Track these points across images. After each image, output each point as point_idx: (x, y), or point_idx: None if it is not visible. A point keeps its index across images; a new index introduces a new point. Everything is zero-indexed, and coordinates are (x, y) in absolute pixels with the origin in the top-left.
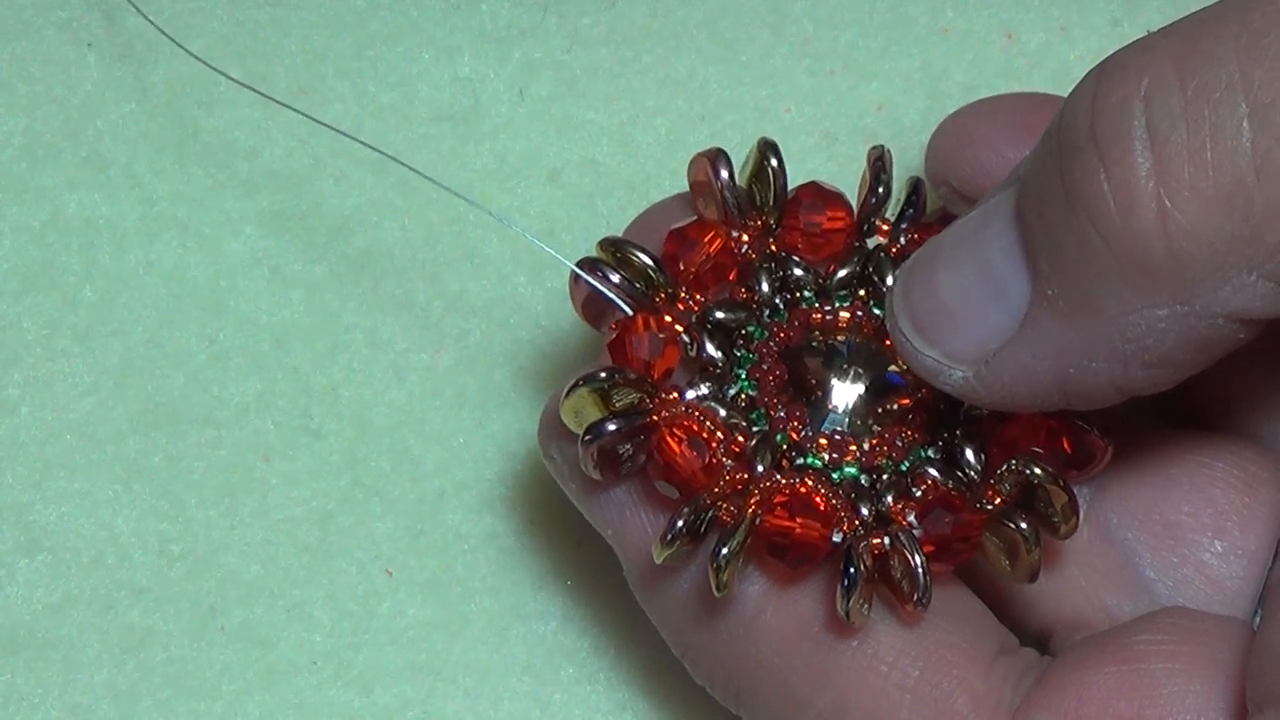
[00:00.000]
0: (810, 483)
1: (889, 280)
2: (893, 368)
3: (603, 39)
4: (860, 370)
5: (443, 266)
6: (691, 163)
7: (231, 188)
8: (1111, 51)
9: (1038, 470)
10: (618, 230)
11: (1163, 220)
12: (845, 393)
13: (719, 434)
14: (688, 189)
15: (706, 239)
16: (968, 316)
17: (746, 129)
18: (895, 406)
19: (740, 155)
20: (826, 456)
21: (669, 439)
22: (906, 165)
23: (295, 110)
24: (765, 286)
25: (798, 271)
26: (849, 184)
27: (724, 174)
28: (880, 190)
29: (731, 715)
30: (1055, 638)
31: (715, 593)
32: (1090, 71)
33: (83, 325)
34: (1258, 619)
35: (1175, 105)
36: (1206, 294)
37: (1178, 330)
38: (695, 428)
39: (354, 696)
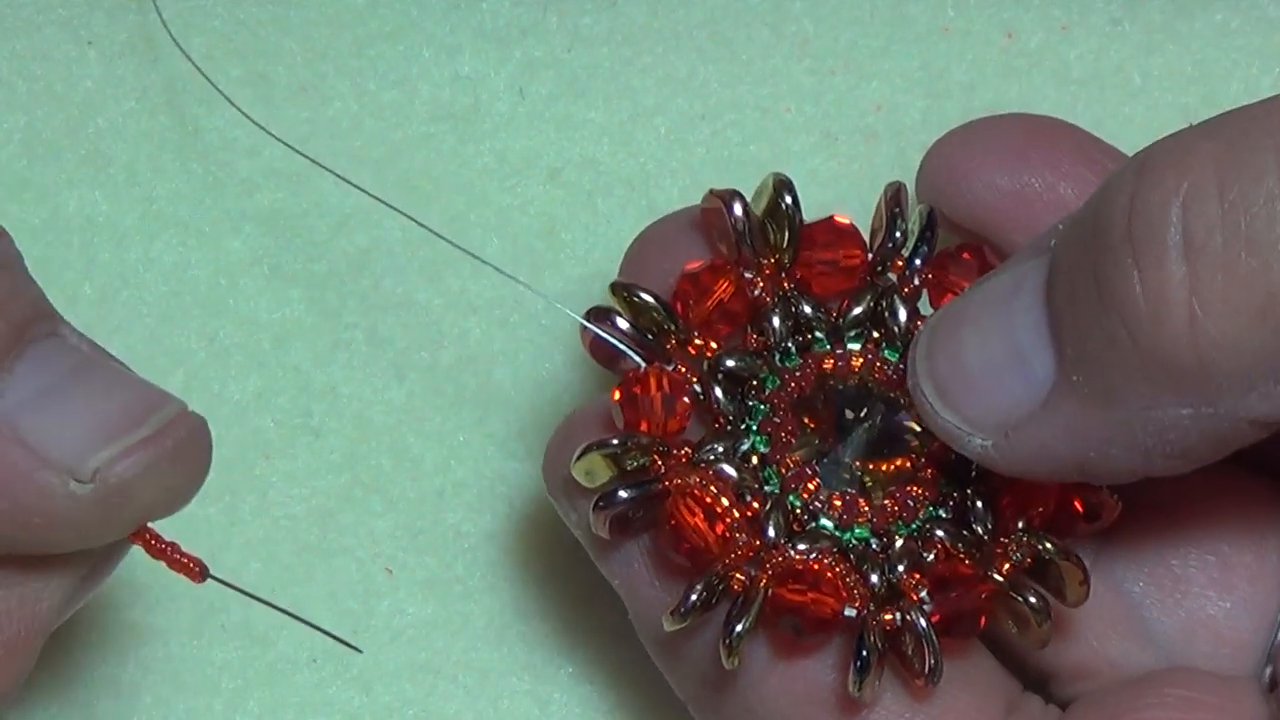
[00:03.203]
0: (825, 560)
1: (900, 317)
2: (903, 415)
3: (603, 38)
4: (871, 418)
5: (443, 266)
6: (704, 202)
7: (231, 186)
8: (1111, 52)
9: (1050, 545)
10: (617, 230)
11: (1193, 329)
12: (856, 441)
13: (733, 510)
14: (687, 188)
15: (719, 285)
16: (990, 385)
17: (746, 128)
18: (906, 460)
19: (740, 155)
20: (838, 517)
21: (682, 511)
22: (906, 165)
23: (284, 141)
24: (777, 328)
25: (808, 310)
26: (849, 183)
27: (738, 213)
28: (898, 235)
29: None
30: (1056, 682)
31: (725, 665)
32: (1130, 161)
33: (83, 323)
34: (1267, 673)
35: (1213, 214)
36: (1232, 400)
37: (1200, 429)
38: (708, 500)
39: (354, 694)
